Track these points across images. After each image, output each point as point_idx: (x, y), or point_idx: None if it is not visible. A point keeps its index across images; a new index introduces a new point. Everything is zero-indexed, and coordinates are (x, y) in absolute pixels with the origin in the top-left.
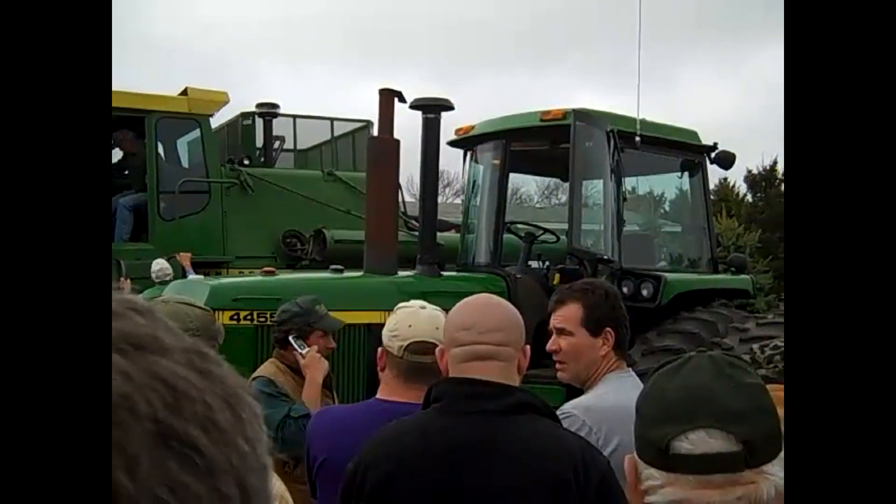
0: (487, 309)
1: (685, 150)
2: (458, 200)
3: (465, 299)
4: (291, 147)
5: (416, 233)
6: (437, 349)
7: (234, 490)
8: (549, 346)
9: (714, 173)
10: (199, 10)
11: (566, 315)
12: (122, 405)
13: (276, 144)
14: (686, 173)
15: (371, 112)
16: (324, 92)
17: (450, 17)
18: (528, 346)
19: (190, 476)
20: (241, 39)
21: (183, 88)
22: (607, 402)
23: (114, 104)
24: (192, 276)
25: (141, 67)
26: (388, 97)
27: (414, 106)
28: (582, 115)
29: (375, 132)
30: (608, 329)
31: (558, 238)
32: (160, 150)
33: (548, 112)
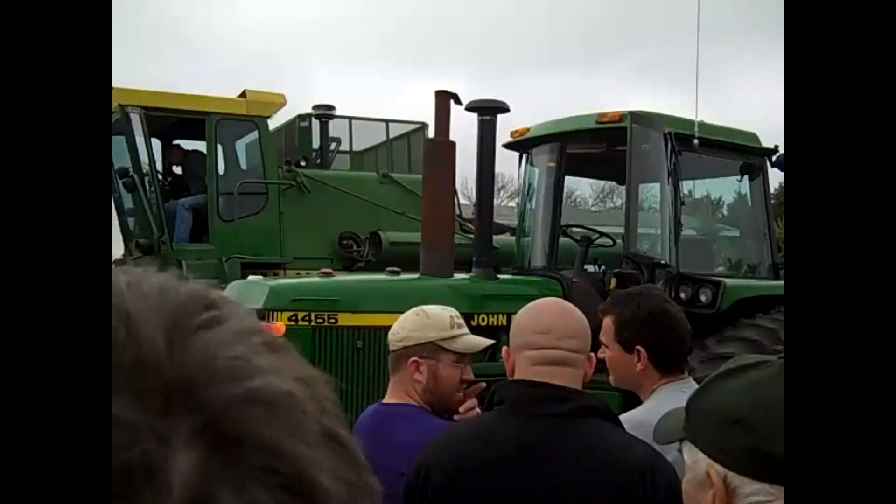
0: (565, 314)
1: (745, 153)
2: (513, 203)
3: (536, 302)
4: (347, 149)
5: (472, 235)
6: (503, 349)
7: (372, 479)
8: (599, 354)
9: (776, 177)
10: (249, 11)
11: (603, 328)
12: (295, 406)
13: (333, 146)
14: (745, 177)
15: (422, 113)
16: (374, 93)
17: (499, 16)
18: (593, 354)
19: (350, 471)
20: (291, 40)
21: (241, 91)
22: (658, 417)
23: (175, 106)
24: (251, 278)
25: (194, 69)
26: (445, 99)
27: (470, 108)
28: (639, 117)
29: (431, 134)
30: (638, 348)
31: (615, 242)
32: (219, 151)
33: (604, 114)
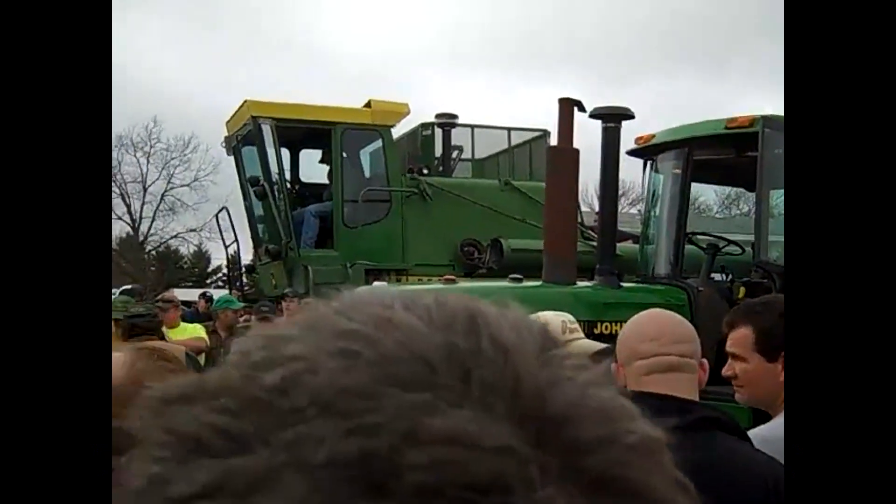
0: (670, 320)
1: None
2: (634, 210)
3: (639, 314)
4: (469, 156)
5: (593, 242)
6: (612, 366)
7: None
8: (725, 370)
9: None
10: (368, 22)
11: (737, 339)
12: (658, 450)
13: (454, 154)
14: None
15: (539, 120)
16: (492, 100)
17: (614, 22)
18: (706, 361)
19: None
20: (410, 50)
21: (366, 101)
22: None
23: (303, 117)
24: (376, 283)
25: (316, 79)
26: (568, 106)
27: (594, 115)
28: (771, 121)
29: (552, 141)
30: (783, 357)
31: (744, 250)
32: (344, 160)
33: (734, 119)
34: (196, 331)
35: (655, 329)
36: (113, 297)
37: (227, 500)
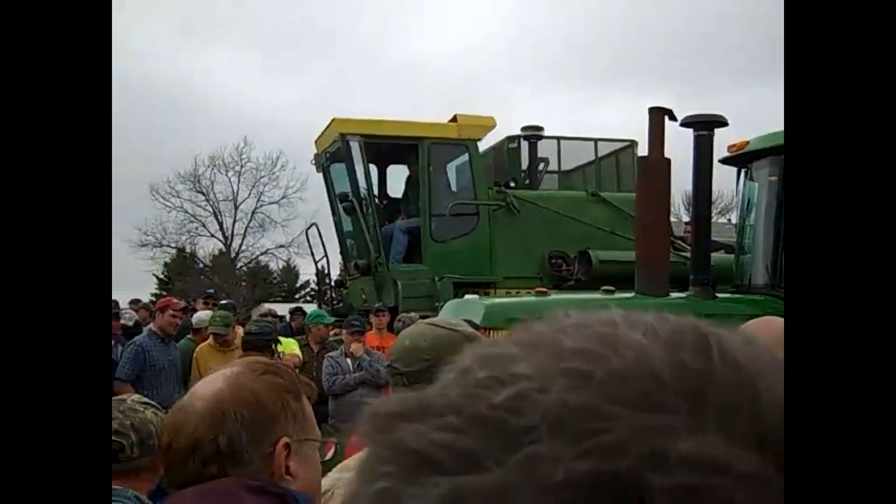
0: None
1: None
2: (723, 219)
3: (754, 322)
4: (555, 168)
5: (683, 253)
6: None
7: None
8: None
9: None
10: (452, 37)
11: None
12: None
13: (541, 166)
14: None
15: (619, 130)
16: (575, 112)
17: (696, 29)
18: None
19: None
20: (492, 63)
21: (452, 115)
22: None
23: (391, 133)
24: (468, 297)
25: (400, 97)
26: (659, 116)
27: (686, 123)
28: None
29: (640, 151)
30: None
31: None
32: (431, 174)
33: None
34: (290, 346)
35: (775, 338)
36: (213, 311)
37: None
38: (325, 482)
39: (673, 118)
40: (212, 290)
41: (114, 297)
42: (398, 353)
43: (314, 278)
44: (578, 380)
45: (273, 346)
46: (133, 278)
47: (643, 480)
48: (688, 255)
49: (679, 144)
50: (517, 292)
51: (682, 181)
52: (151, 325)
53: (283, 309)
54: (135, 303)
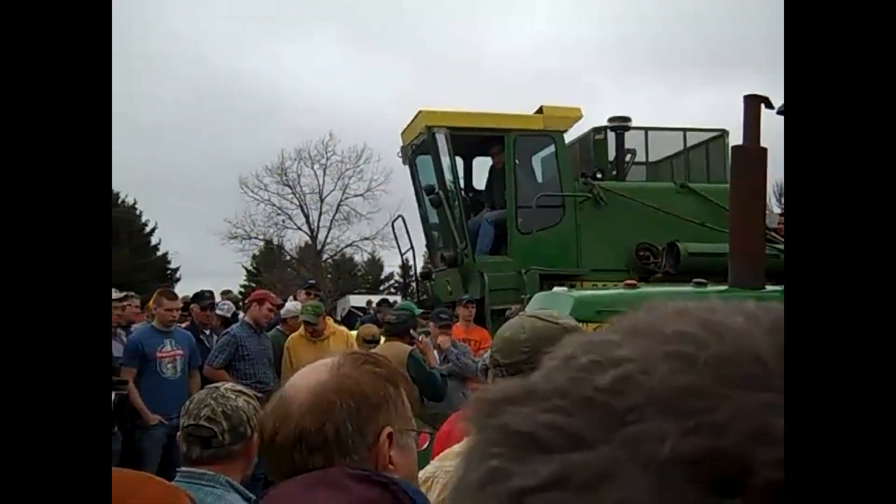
0: None
1: None
2: None
3: None
4: (642, 159)
5: (776, 245)
6: None
7: None
8: None
9: None
10: (533, 29)
11: None
12: None
13: (628, 157)
14: None
15: (705, 119)
16: (661, 102)
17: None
18: None
19: None
20: (575, 55)
21: (538, 107)
22: None
23: (476, 125)
24: (556, 289)
25: (485, 89)
26: (755, 103)
27: (782, 112)
28: None
29: (731, 141)
30: None
31: None
32: (517, 166)
33: None
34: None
35: None
36: (305, 303)
37: (571, 492)
38: (428, 470)
39: (769, 106)
40: (313, 281)
41: (205, 287)
42: (498, 344)
43: (398, 270)
44: (682, 362)
45: (411, 332)
46: (224, 270)
47: (748, 455)
48: (781, 247)
49: (769, 134)
50: (604, 285)
51: (772, 171)
52: (245, 317)
53: (360, 300)
54: (226, 293)
